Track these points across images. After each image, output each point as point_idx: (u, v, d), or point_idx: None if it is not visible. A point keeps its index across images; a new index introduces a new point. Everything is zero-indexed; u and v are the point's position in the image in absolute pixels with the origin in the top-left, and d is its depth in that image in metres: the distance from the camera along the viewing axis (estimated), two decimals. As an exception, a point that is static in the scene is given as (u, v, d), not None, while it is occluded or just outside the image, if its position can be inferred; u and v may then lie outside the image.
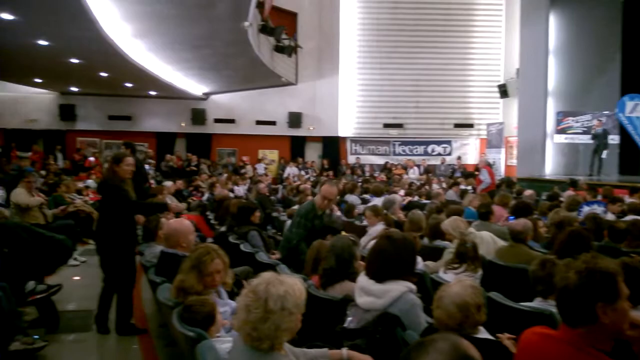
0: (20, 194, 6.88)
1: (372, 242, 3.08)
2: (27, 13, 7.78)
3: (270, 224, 7.69)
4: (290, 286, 1.95)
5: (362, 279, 2.80)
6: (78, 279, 6.53)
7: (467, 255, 3.74)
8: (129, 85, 14.54)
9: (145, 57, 11.24)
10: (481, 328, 2.29)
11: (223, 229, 6.02)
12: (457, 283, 2.29)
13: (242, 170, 15.73)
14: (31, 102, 16.44)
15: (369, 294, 2.70)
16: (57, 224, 7.18)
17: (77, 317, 5.22)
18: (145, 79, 13.07)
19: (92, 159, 15.11)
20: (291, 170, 16.36)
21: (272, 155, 17.98)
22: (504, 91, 16.85)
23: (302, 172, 15.91)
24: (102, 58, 10.66)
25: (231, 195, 9.13)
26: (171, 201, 7.21)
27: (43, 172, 12.39)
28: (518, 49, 15.49)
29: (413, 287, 2.67)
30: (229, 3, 8.52)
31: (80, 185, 10.54)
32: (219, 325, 2.67)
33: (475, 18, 17.93)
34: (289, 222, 7.14)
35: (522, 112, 15.10)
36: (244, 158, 17.27)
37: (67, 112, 16.65)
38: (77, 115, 16.84)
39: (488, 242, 4.73)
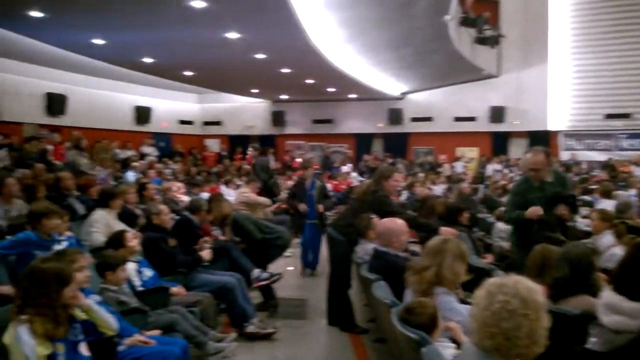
0: (248, 193, 7.74)
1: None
2: (250, 31, 8.72)
3: (477, 226, 7.27)
4: (537, 291, 1.69)
5: (609, 295, 2.39)
6: (292, 269, 7.10)
7: None
8: (331, 89, 15.36)
9: (348, 61, 11.70)
10: None
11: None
12: None
13: (439, 169, 15.35)
14: (249, 110, 18.54)
15: (619, 312, 2.30)
16: (276, 219, 7.87)
17: (292, 304, 5.63)
18: (346, 83, 13.64)
19: (299, 160, 16.40)
20: (493, 168, 15.39)
21: (472, 153, 17.16)
22: None
23: (506, 170, 14.83)
24: (309, 66, 11.40)
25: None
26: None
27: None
28: None
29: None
30: (430, -1, 8.37)
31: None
32: (441, 329, 2.54)
33: None
34: (498, 224, 6.67)
35: None
36: (442, 157, 16.84)
37: (277, 118, 18.34)
38: (286, 120, 18.42)
39: None
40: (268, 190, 9.45)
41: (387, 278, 3.35)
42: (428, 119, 17.19)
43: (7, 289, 3.23)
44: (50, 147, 10.85)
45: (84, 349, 2.57)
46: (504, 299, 1.62)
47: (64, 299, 2.47)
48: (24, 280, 2.44)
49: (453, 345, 2.53)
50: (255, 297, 5.19)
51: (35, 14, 7.61)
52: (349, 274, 4.83)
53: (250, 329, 4.43)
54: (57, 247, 4.02)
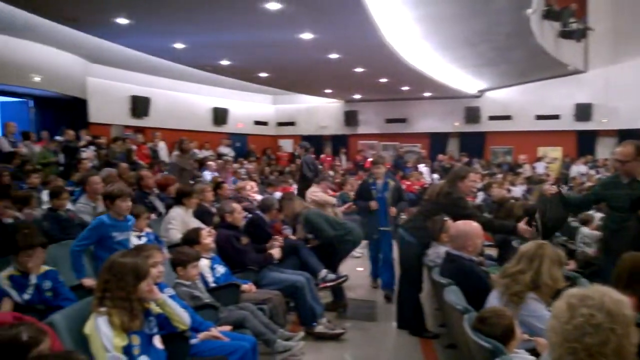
0: (318, 192, 7.76)
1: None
2: (324, 31, 8.76)
3: (559, 230, 6.83)
4: (625, 304, 1.53)
5: None
6: (361, 270, 7.02)
7: None
8: (404, 88, 15.12)
9: (424, 59, 11.45)
10: None
11: (505, 232, 5.59)
12: None
13: (519, 170, 14.61)
14: (322, 111, 18.68)
15: None
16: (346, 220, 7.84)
17: (362, 306, 5.58)
18: (420, 81, 13.37)
19: (371, 159, 16.27)
20: (578, 169, 14.43)
21: (555, 152, 16.21)
22: None
23: (592, 172, 13.85)
24: (383, 64, 11.29)
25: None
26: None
27: (331, 173, 13.91)
28: None
29: None
30: (510, -8, 7.98)
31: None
32: (520, 339, 2.38)
33: None
34: (583, 229, 6.23)
35: None
36: (521, 157, 16.03)
37: (350, 118, 18.33)
38: (358, 120, 18.36)
39: None
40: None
41: (460, 283, 3.21)
42: (507, 118, 16.45)
43: (91, 282, 3.42)
44: (134, 147, 11.52)
45: (158, 342, 2.66)
46: (588, 312, 1.48)
47: (140, 292, 2.57)
48: (104, 273, 2.57)
49: (533, 358, 2.36)
50: (325, 297, 5.19)
51: (122, 21, 8.08)
52: (420, 277, 4.71)
53: (319, 328, 4.43)
54: (137, 242, 4.25)
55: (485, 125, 16.86)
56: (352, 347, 4.42)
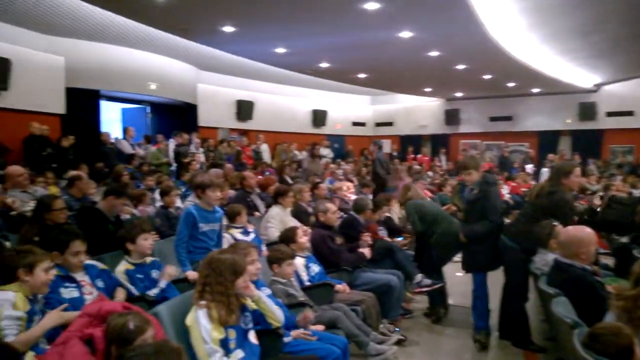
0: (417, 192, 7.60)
1: None
2: (424, 29, 8.56)
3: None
4: None
5: None
6: (461, 275, 6.72)
7: None
8: (510, 84, 14.35)
9: (530, 53, 10.77)
10: None
11: (624, 239, 5.06)
12: None
13: (642, 171, 13.19)
14: (421, 110, 18.30)
15: None
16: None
17: (462, 312, 5.34)
18: (529, 76, 12.60)
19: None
20: None
21: (685, 151, 14.46)
22: None
23: None
24: (487, 60, 10.81)
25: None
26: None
27: (430, 174, 13.56)
28: None
29: None
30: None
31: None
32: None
33: None
34: None
35: None
36: (645, 156, 14.50)
37: (451, 116, 17.75)
38: (460, 119, 17.72)
39: None
40: (384, 184, 10.32)
41: (570, 293, 2.94)
42: (628, 113, 14.94)
43: (194, 275, 3.62)
44: (240, 149, 12.14)
45: (253, 337, 2.73)
46: None
47: (236, 288, 2.66)
48: (203, 268, 2.69)
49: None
50: (422, 301, 5.06)
51: (228, 29, 8.51)
52: (525, 286, 4.38)
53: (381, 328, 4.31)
54: (246, 238, 4.47)
55: (603, 122, 15.45)
56: (448, 356, 4.25)
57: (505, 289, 4.54)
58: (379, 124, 19.15)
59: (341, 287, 4.14)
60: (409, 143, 17.51)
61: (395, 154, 17.24)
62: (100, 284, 3.02)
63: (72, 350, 2.07)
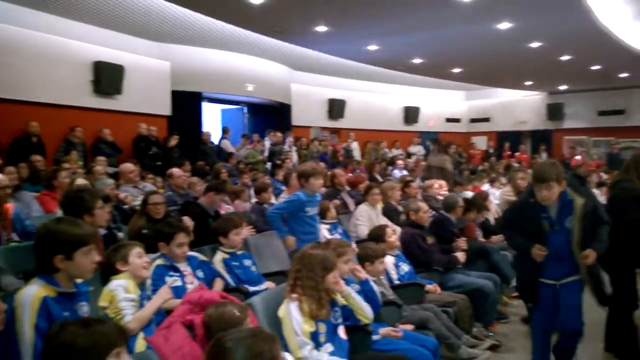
0: (511, 192, 7.23)
1: None
2: (525, 19, 8.13)
3: None
4: None
5: None
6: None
7: None
8: (623, 75, 13.19)
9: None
10: None
11: None
12: None
13: None
14: (521, 104, 17.38)
15: None
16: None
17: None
18: (644, 66, 11.52)
19: (578, 157, 14.53)
20: None
21: None
22: None
23: None
24: (595, 50, 10.06)
25: None
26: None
27: (530, 171, 12.78)
28: None
29: None
30: None
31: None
32: None
33: None
34: None
35: None
36: None
37: (554, 111, 16.67)
38: (564, 113, 16.59)
39: None
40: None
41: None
42: None
43: (293, 240, 4.12)
44: (331, 148, 12.33)
45: (342, 332, 2.77)
46: None
47: (326, 283, 2.72)
48: (296, 263, 2.78)
49: None
50: (520, 306, 4.80)
51: (321, 28, 8.66)
52: (635, 294, 4.00)
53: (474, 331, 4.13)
54: (328, 235, 4.55)
55: None
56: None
57: (613, 297, 4.18)
58: (474, 120, 18.46)
59: (432, 287, 4.06)
60: (507, 139, 16.67)
61: (491, 150, 16.53)
62: (200, 274, 3.24)
63: (175, 334, 2.24)
